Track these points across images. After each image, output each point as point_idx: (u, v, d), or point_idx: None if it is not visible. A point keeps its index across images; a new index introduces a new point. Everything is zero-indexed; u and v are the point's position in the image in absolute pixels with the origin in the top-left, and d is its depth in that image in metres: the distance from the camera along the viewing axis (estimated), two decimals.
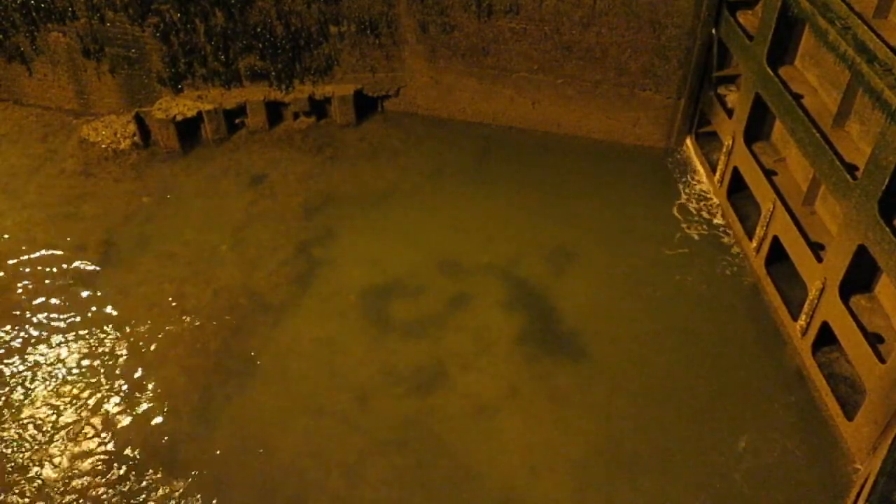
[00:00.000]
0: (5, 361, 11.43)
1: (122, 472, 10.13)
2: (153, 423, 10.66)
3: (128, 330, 11.89)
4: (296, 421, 10.70)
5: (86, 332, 11.87)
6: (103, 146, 15.24)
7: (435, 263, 12.95)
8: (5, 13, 15.04)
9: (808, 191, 11.93)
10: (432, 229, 13.70)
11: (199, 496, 9.84)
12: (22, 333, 11.82)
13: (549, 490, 9.88)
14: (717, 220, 13.65)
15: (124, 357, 11.50)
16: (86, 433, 10.56)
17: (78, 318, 12.06)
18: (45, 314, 12.10)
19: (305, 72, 15.51)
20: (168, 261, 13.03)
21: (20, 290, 12.47)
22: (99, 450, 10.36)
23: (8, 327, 11.91)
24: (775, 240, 11.88)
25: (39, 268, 12.86)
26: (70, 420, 10.71)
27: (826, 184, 10.69)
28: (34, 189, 14.45)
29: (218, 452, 10.32)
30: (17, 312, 12.14)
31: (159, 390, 11.05)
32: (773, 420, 10.63)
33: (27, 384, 11.14)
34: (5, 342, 11.70)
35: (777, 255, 11.99)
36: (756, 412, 10.72)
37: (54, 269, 12.83)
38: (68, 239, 13.39)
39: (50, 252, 13.15)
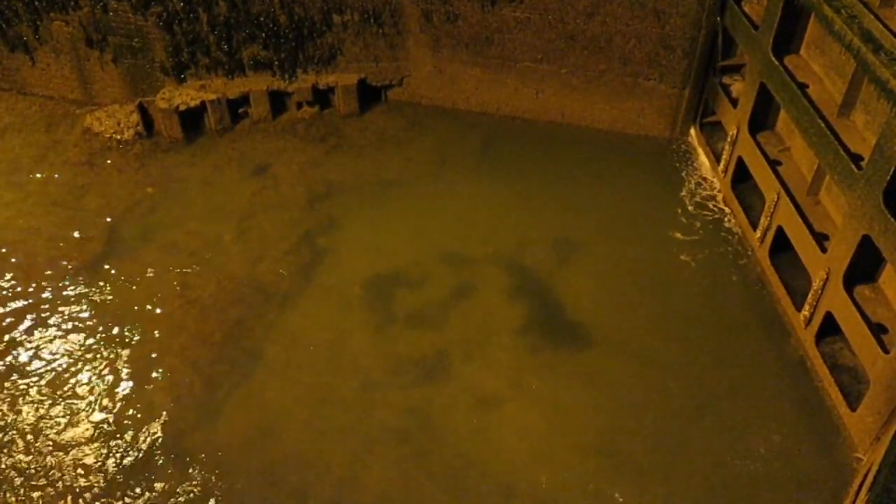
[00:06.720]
0: (7, 352, 11.46)
1: (126, 462, 10.17)
2: (157, 413, 10.69)
3: (131, 320, 11.91)
4: (299, 410, 10.73)
5: (89, 322, 11.89)
6: (107, 136, 15.24)
7: (438, 253, 12.95)
8: (8, 2, 15.01)
9: (813, 181, 11.91)
10: (436, 219, 13.69)
11: (203, 486, 9.88)
12: (25, 323, 11.85)
13: (550, 481, 9.90)
14: (721, 211, 13.63)
15: (128, 347, 11.53)
16: (89, 424, 10.59)
17: (81, 309, 12.08)
18: (49, 304, 12.12)
19: (309, 61, 15.47)
20: (172, 251, 13.05)
21: (23, 280, 12.50)
22: (102, 440, 10.40)
23: (10, 317, 11.94)
24: (779, 230, 11.86)
25: (43, 258, 12.88)
26: (73, 411, 10.74)
27: (831, 174, 10.66)
28: (38, 179, 14.46)
29: (222, 442, 10.36)
30: (20, 302, 12.16)
31: (163, 380, 11.09)
32: (776, 410, 10.64)
33: (29, 374, 11.17)
34: (7, 332, 11.73)
35: (781, 246, 11.97)
36: (759, 402, 10.73)
37: (58, 260, 12.85)
38: (72, 229, 13.41)
39: (54, 242, 13.17)
